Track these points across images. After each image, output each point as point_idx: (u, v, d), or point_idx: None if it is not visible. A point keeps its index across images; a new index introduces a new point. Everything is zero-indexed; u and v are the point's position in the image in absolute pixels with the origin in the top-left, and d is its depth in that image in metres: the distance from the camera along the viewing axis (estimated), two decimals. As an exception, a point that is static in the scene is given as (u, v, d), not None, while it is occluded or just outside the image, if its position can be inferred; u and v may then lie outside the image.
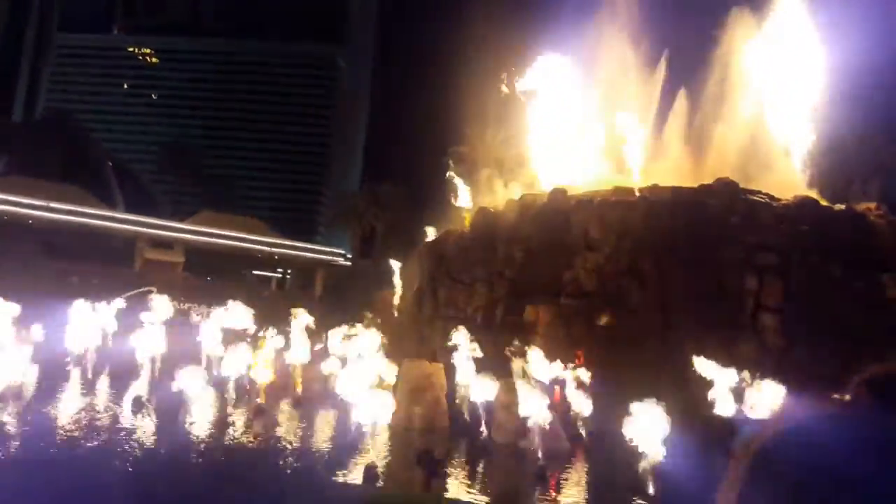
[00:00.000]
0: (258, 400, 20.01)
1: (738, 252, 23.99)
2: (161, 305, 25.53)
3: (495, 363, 19.08)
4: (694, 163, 33.27)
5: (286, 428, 19.49)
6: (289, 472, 14.67)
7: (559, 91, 37.03)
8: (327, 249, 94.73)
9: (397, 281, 37.34)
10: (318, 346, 24.96)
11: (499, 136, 54.53)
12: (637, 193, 28.15)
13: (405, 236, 63.53)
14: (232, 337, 23.48)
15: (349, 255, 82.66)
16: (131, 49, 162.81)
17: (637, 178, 32.12)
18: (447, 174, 42.41)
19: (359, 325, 26.11)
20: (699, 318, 22.11)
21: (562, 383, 19.99)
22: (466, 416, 18.48)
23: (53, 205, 56.35)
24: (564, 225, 27.59)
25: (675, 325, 22.54)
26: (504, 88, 42.10)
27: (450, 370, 19.86)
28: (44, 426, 16.15)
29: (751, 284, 23.40)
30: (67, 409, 18.74)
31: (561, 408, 18.95)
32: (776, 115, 33.70)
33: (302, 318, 22.70)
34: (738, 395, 17.49)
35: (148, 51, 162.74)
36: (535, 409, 15.87)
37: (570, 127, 35.85)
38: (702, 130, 34.45)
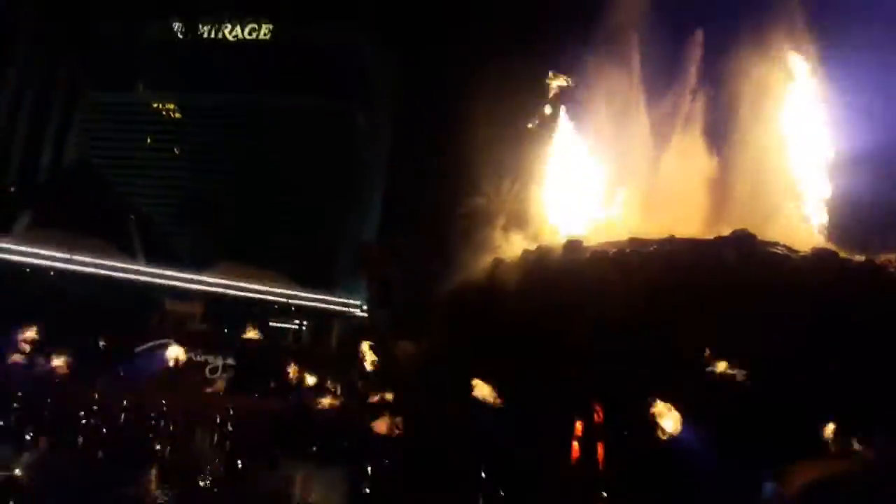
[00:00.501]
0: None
1: (757, 305, 23.63)
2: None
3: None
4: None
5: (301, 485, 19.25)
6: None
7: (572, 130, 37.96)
8: (343, 300, 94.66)
9: None
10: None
11: (514, 187, 54.76)
12: (654, 246, 28.04)
13: (421, 288, 63.42)
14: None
15: (365, 307, 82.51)
16: (156, 105, 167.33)
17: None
18: (462, 226, 42.65)
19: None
20: (719, 377, 21.70)
21: (579, 439, 19.64)
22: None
23: (75, 256, 57.08)
24: (581, 276, 27.41)
25: (697, 380, 22.11)
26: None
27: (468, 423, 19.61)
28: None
29: (773, 338, 22.94)
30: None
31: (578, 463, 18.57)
32: (792, 162, 33.87)
33: None
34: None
35: (171, 106, 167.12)
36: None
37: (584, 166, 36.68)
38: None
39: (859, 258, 27.02)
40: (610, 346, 24.97)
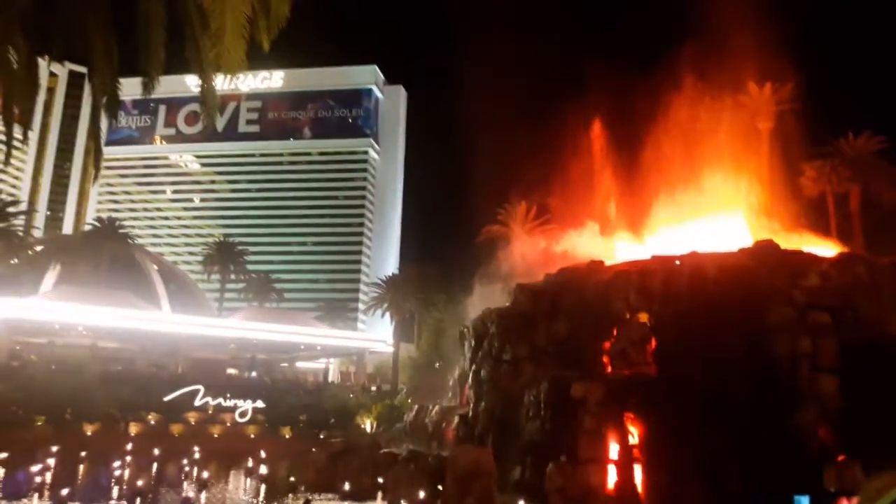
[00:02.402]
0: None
1: (788, 314, 23.20)
2: None
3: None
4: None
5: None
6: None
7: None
8: (367, 336, 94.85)
9: None
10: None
11: (529, 212, 54.93)
12: (677, 262, 27.68)
13: (442, 318, 63.37)
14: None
15: (389, 342, 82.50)
16: (174, 156, 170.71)
17: None
18: (482, 253, 42.72)
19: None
20: (754, 385, 21.29)
21: (616, 463, 19.26)
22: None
23: (96, 309, 57.54)
24: (606, 297, 27.08)
25: (731, 394, 21.66)
26: None
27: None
28: None
29: (804, 347, 22.51)
30: None
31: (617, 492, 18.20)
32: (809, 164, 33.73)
33: None
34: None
35: (190, 157, 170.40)
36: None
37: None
38: None
39: (885, 259, 26.52)
40: (643, 366, 24.67)
